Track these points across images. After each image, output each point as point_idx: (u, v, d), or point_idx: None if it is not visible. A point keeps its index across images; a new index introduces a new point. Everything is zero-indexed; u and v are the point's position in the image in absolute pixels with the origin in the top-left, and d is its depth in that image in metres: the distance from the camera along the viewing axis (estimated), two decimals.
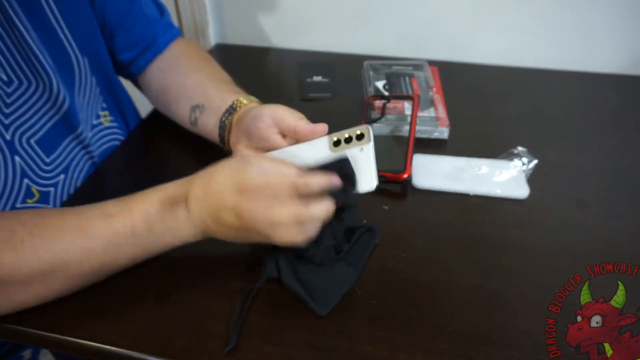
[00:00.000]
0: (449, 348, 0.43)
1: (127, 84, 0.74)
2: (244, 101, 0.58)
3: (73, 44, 0.59)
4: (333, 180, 0.43)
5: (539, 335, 0.44)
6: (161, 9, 0.71)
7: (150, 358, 0.43)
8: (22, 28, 0.52)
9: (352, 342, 0.44)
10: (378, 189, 0.46)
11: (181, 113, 0.65)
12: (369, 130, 0.46)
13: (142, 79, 0.71)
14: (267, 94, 0.63)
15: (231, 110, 0.58)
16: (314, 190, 0.43)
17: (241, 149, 0.55)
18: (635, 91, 0.82)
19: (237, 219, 0.43)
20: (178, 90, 0.65)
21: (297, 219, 0.42)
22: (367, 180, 0.46)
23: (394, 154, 0.63)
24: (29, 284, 0.43)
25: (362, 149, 0.46)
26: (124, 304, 0.47)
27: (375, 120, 0.67)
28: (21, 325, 0.45)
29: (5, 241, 0.42)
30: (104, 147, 0.67)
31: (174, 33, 0.71)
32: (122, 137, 0.70)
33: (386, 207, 0.57)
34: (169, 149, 0.70)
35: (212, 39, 0.98)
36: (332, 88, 0.81)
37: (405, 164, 0.60)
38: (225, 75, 0.67)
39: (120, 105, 0.70)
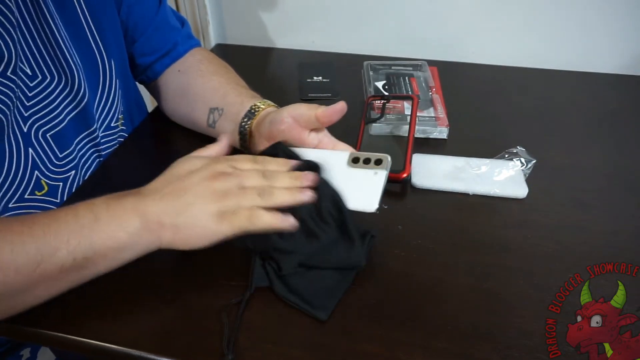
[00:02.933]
0: (449, 347, 0.43)
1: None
2: (262, 106, 0.59)
3: (101, 46, 0.60)
4: (292, 163, 0.47)
5: (539, 335, 0.44)
6: (182, 21, 0.73)
7: (150, 357, 0.42)
8: (53, 25, 0.53)
9: (352, 341, 0.44)
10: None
11: (198, 115, 0.65)
12: (388, 160, 0.50)
13: (158, 82, 0.72)
14: (267, 94, 0.63)
15: (250, 115, 0.58)
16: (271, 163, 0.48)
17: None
18: (635, 91, 0.83)
19: (209, 179, 0.44)
20: (197, 92, 0.66)
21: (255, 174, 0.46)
22: (369, 200, 0.48)
23: (394, 154, 0.62)
24: None
25: (376, 172, 0.49)
26: (124, 303, 0.47)
27: (374, 120, 0.67)
28: (23, 324, 0.45)
29: None
30: (112, 149, 0.67)
31: (194, 43, 0.73)
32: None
33: (385, 207, 0.57)
34: (173, 146, 0.70)
35: (212, 39, 0.98)
36: (332, 88, 0.81)
37: (405, 164, 0.60)
38: (243, 82, 0.68)
39: (132, 110, 0.71)
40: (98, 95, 0.62)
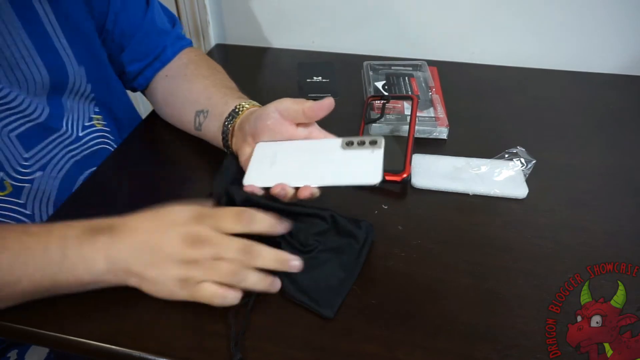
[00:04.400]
0: (449, 347, 0.43)
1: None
2: (247, 105, 0.59)
3: (70, 53, 0.59)
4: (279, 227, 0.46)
5: (539, 335, 0.44)
6: (173, 20, 0.73)
7: (150, 357, 0.42)
8: (14, 32, 0.52)
9: (352, 341, 0.44)
10: (382, 184, 0.48)
11: (186, 118, 0.65)
12: (382, 140, 0.50)
13: (149, 88, 0.72)
14: (267, 94, 0.63)
15: (234, 114, 0.58)
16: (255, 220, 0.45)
17: (247, 148, 0.55)
18: (635, 91, 0.83)
19: (186, 243, 0.43)
20: (184, 96, 0.66)
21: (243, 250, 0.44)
22: (372, 174, 0.48)
23: (394, 154, 0.63)
24: None
25: (373, 151, 0.50)
26: (124, 303, 0.46)
27: (374, 120, 0.67)
28: (22, 324, 0.45)
29: None
30: (94, 148, 0.66)
31: (184, 44, 0.72)
32: (111, 141, 0.69)
33: (385, 207, 0.57)
34: (168, 151, 0.70)
35: (212, 39, 0.98)
36: (331, 88, 0.81)
37: (405, 164, 0.60)
38: (231, 83, 0.67)
39: (116, 111, 0.70)
40: (64, 99, 0.61)
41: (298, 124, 0.53)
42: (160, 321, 0.45)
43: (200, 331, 0.44)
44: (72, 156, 0.63)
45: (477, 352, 0.43)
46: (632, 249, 0.53)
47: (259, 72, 0.90)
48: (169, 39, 0.70)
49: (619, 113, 0.76)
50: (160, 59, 0.69)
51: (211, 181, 0.55)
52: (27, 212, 0.57)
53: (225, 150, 0.60)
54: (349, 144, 0.51)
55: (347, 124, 0.70)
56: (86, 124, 0.65)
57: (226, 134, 0.59)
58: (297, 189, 0.49)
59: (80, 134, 0.64)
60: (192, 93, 0.65)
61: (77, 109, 0.63)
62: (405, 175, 0.59)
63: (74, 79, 0.61)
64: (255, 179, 0.51)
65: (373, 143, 0.50)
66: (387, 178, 0.60)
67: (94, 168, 0.64)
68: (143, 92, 0.74)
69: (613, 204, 0.59)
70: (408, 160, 0.60)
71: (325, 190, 0.49)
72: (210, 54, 0.95)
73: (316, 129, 0.54)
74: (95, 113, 0.67)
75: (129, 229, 0.45)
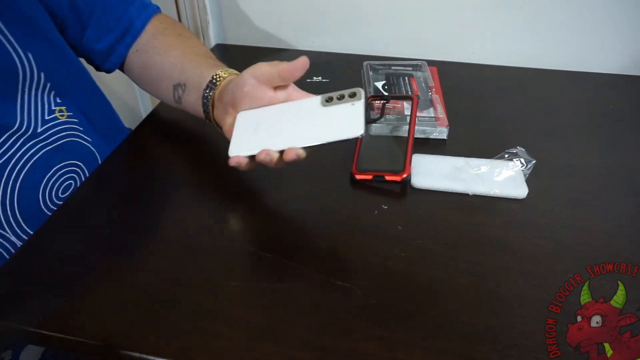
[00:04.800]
0: (449, 347, 0.43)
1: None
2: (223, 74, 0.58)
3: (12, 40, 0.56)
4: None
5: (539, 335, 0.44)
6: None
7: (150, 357, 0.42)
8: None
9: (352, 342, 0.43)
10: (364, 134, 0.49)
11: (165, 93, 0.65)
12: (361, 91, 0.50)
13: (125, 66, 0.69)
14: None
15: (211, 85, 0.57)
16: None
17: (228, 119, 0.55)
18: (635, 91, 0.83)
19: None
20: (157, 71, 0.65)
21: None
22: (354, 127, 0.48)
23: (393, 154, 0.63)
24: None
25: (353, 104, 0.50)
26: (124, 303, 0.47)
27: (374, 120, 0.67)
28: (23, 325, 0.45)
29: None
30: (62, 141, 0.63)
31: (150, 11, 0.68)
32: (83, 135, 0.66)
33: (385, 207, 0.57)
34: (166, 152, 0.70)
35: (212, 39, 0.98)
36: (331, 88, 0.81)
37: (405, 164, 0.60)
38: (202, 49, 0.66)
39: (81, 101, 0.66)
40: (19, 93, 0.57)
41: (276, 88, 0.53)
42: (160, 321, 0.45)
43: (201, 331, 0.44)
44: (32, 155, 0.59)
45: (477, 352, 0.43)
46: (632, 249, 0.53)
47: None
48: (134, 9, 0.66)
49: (619, 113, 0.76)
50: (131, 33, 0.66)
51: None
52: None
53: (208, 122, 0.60)
54: (329, 100, 0.51)
55: None
56: (47, 117, 0.61)
57: (207, 107, 0.58)
58: (282, 152, 0.49)
59: (39, 130, 0.60)
60: (165, 67, 0.64)
61: (33, 102, 0.60)
62: (405, 175, 0.59)
63: (23, 68, 0.57)
64: (239, 149, 0.52)
65: (352, 96, 0.50)
66: (387, 178, 0.60)
67: (60, 164, 0.62)
68: (122, 70, 0.71)
69: (613, 204, 0.59)
70: (408, 160, 0.60)
71: (314, 150, 0.49)
72: None
73: (295, 90, 0.54)
74: (57, 104, 0.63)
75: None
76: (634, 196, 0.60)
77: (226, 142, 0.54)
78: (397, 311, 0.46)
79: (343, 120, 0.49)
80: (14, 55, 0.56)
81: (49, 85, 0.61)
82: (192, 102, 0.60)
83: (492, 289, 0.48)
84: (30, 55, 0.58)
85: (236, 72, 0.59)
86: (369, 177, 0.60)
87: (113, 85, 1.04)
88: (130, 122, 0.82)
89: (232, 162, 0.51)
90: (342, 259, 0.52)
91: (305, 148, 0.49)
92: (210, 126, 0.61)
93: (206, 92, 0.57)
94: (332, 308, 0.46)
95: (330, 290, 0.48)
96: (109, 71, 0.70)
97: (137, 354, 0.43)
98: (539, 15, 0.85)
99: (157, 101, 0.74)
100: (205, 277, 0.49)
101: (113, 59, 0.68)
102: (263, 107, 0.53)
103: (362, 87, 0.79)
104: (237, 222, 0.58)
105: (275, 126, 0.52)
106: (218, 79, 0.57)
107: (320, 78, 0.84)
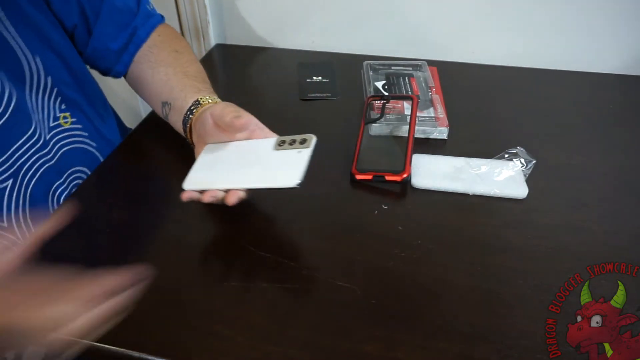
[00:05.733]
0: (449, 347, 0.43)
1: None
2: (202, 102, 0.59)
3: (21, 42, 0.56)
4: None
5: (539, 335, 0.44)
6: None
7: (150, 357, 0.42)
8: None
9: (352, 342, 0.43)
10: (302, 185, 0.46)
11: (155, 107, 0.67)
12: (312, 139, 0.49)
13: (126, 75, 0.70)
14: (267, 94, 0.63)
15: (190, 113, 0.59)
16: None
17: (200, 147, 0.56)
18: (635, 91, 0.82)
19: None
20: (148, 85, 0.66)
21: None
22: (290, 175, 0.47)
23: (394, 154, 0.63)
24: None
25: (300, 151, 0.49)
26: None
27: (374, 120, 0.67)
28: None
29: None
30: (65, 149, 0.63)
31: (155, 22, 0.69)
32: (87, 140, 0.67)
33: (385, 207, 0.57)
34: (166, 152, 0.70)
35: (212, 39, 0.98)
36: (331, 88, 0.81)
37: (405, 164, 0.60)
38: (193, 67, 0.66)
39: (85, 106, 0.67)
40: (27, 95, 0.57)
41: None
42: (160, 321, 0.45)
43: (201, 331, 0.44)
44: (46, 161, 0.60)
45: (477, 352, 0.43)
46: (632, 249, 0.53)
47: (259, 72, 0.90)
48: (139, 19, 0.66)
49: (619, 113, 0.76)
50: (134, 42, 0.66)
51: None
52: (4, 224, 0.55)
53: (190, 144, 0.61)
54: (281, 144, 0.51)
55: (347, 124, 0.70)
56: (51, 124, 0.62)
57: (186, 131, 0.59)
58: (227, 191, 0.50)
59: (47, 137, 0.60)
60: (155, 83, 0.65)
61: (40, 107, 0.60)
62: (405, 175, 0.59)
63: (30, 70, 0.57)
64: (193, 183, 0.52)
65: (303, 142, 0.50)
66: (387, 178, 0.60)
67: (69, 171, 0.63)
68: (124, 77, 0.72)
69: (613, 204, 0.59)
70: (408, 160, 0.60)
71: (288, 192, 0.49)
72: (210, 54, 0.95)
73: (258, 128, 0.54)
74: (62, 111, 0.63)
75: None
76: (634, 196, 0.60)
77: None
78: (397, 311, 0.46)
79: (284, 167, 0.48)
80: (23, 58, 0.57)
81: (55, 90, 0.62)
82: (175, 122, 0.62)
83: (492, 289, 0.48)
84: (38, 59, 0.59)
85: (216, 99, 0.59)
86: (369, 177, 0.60)
87: (113, 85, 1.04)
88: (130, 122, 0.82)
89: (184, 197, 0.51)
90: (342, 259, 0.52)
91: (247, 190, 0.50)
92: None
93: (186, 116, 0.59)
94: (332, 308, 0.46)
95: (330, 290, 0.48)
96: (116, 76, 0.71)
97: (137, 354, 0.43)
98: (539, 16, 0.85)
99: None
100: (205, 277, 0.50)
101: (119, 68, 0.68)
102: (227, 142, 0.55)
103: (362, 89, 0.79)
104: (237, 222, 0.58)
105: (229, 164, 0.52)
106: (196, 107, 0.58)
107: (320, 78, 0.84)
